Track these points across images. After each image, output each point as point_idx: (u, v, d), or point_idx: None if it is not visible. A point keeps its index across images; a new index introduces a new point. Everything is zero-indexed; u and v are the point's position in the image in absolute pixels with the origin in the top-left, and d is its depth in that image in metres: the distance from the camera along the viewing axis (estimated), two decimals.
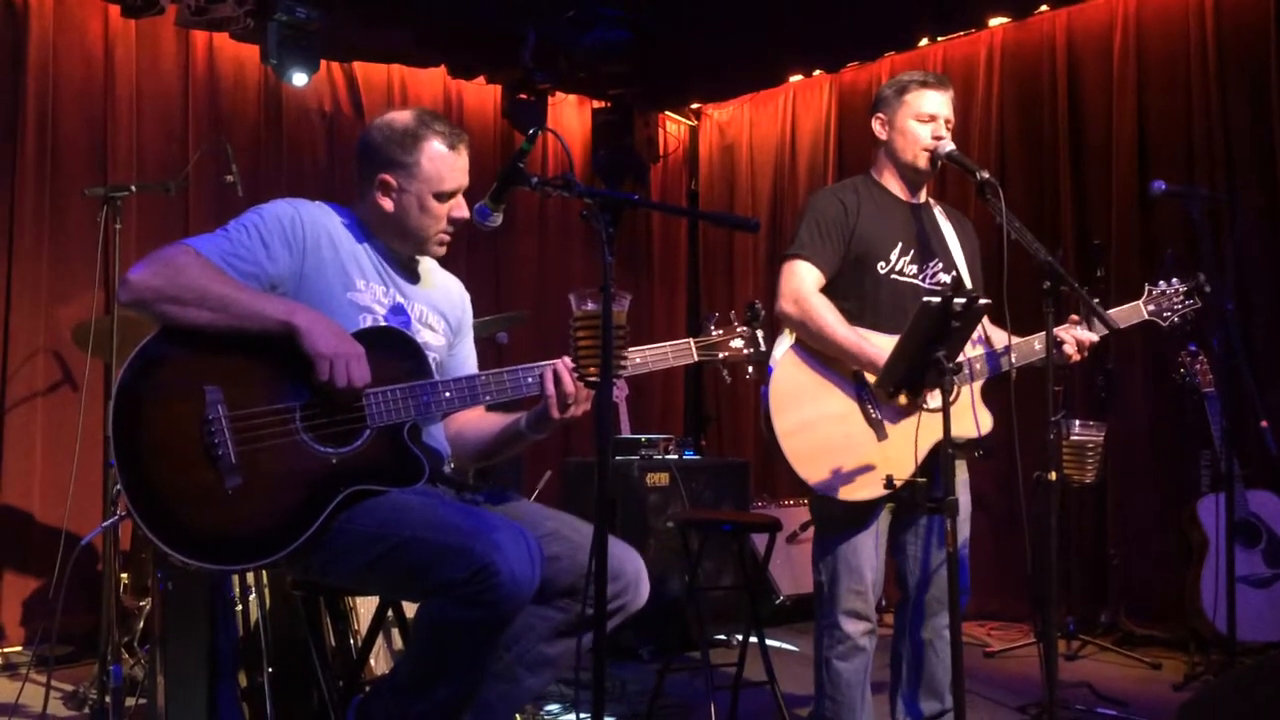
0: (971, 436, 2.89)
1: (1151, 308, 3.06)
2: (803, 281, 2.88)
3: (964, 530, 2.98)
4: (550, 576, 2.27)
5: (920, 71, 3.06)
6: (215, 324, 2.20)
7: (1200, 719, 2.06)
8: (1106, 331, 2.91)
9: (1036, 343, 2.88)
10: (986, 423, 2.92)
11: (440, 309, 2.58)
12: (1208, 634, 4.39)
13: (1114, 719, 3.85)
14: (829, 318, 2.83)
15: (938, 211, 3.08)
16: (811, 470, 2.77)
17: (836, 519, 2.91)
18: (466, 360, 2.67)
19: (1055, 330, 2.87)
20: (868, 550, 2.89)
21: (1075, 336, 2.87)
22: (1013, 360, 2.89)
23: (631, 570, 2.34)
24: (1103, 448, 3.30)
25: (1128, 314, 3.03)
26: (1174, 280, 3.07)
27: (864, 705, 2.92)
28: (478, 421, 2.58)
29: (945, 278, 2.99)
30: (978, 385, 2.91)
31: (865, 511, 2.88)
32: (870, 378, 2.82)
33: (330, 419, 2.24)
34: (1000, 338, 2.90)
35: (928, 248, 2.99)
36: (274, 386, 2.23)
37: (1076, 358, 2.89)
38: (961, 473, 3.00)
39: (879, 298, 2.91)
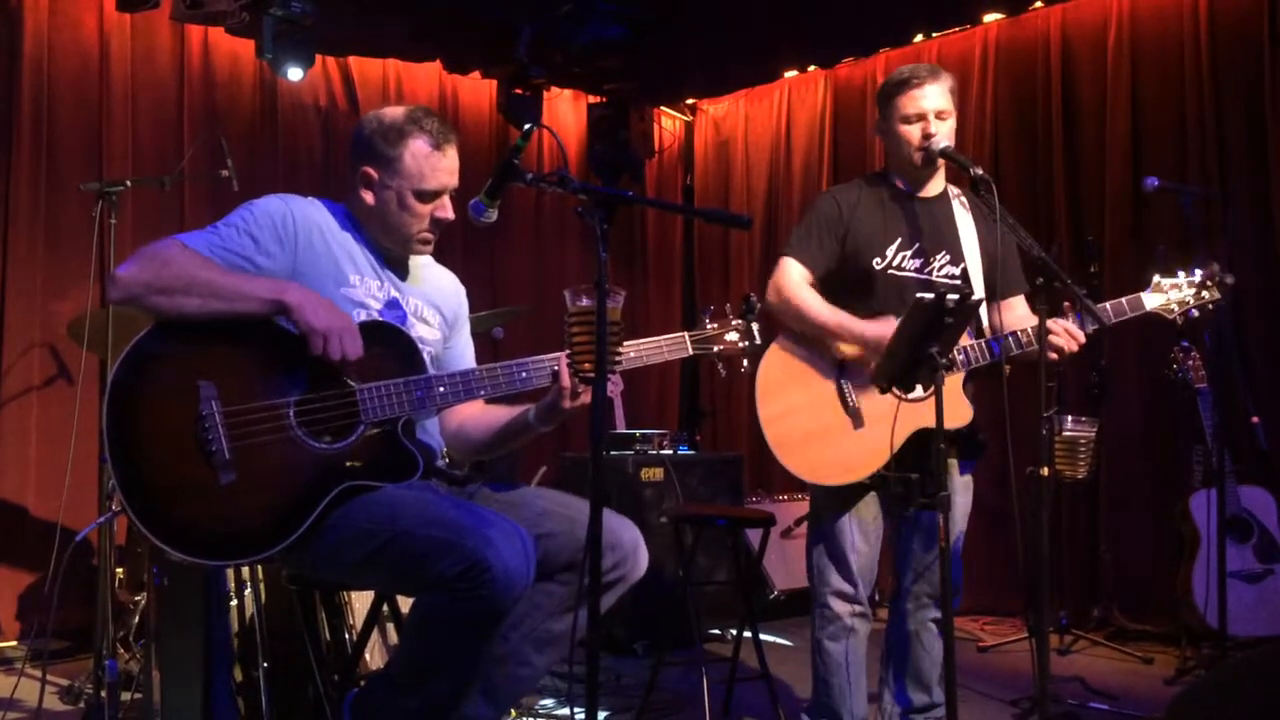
0: (951, 428, 2.87)
1: (1158, 299, 2.92)
2: (788, 276, 2.97)
3: (959, 528, 3.01)
4: (549, 553, 2.29)
5: (909, 67, 3.03)
6: (206, 310, 2.20)
7: (1190, 713, 2.08)
8: (1096, 328, 2.91)
9: (1023, 335, 2.87)
10: (966, 415, 2.92)
11: (435, 302, 2.58)
12: (1199, 628, 4.41)
13: (1105, 713, 3.87)
14: (808, 299, 2.91)
15: (957, 203, 3.05)
16: (790, 455, 2.88)
17: (825, 504, 3.00)
18: (463, 353, 2.67)
19: (1049, 322, 2.89)
20: (849, 533, 2.95)
21: (1066, 328, 2.82)
22: (1009, 345, 2.90)
23: (628, 541, 2.36)
24: (1095, 443, 3.33)
25: (1132, 305, 2.91)
26: (1180, 272, 2.94)
27: (853, 689, 2.94)
28: (480, 415, 2.59)
29: (954, 270, 2.98)
30: (959, 377, 2.91)
31: (848, 496, 2.94)
32: (848, 351, 2.86)
33: (324, 414, 2.25)
34: (1020, 313, 3.00)
35: (934, 241, 2.98)
36: (268, 381, 2.24)
37: (1072, 346, 2.81)
38: (956, 472, 3.01)
39: (876, 293, 2.93)
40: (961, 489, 3.02)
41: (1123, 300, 2.92)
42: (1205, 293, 2.93)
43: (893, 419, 2.79)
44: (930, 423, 2.60)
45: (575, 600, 2.31)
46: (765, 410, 2.90)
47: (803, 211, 3.13)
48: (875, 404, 2.84)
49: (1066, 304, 2.88)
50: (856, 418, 2.87)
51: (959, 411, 2.89)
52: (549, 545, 2.30)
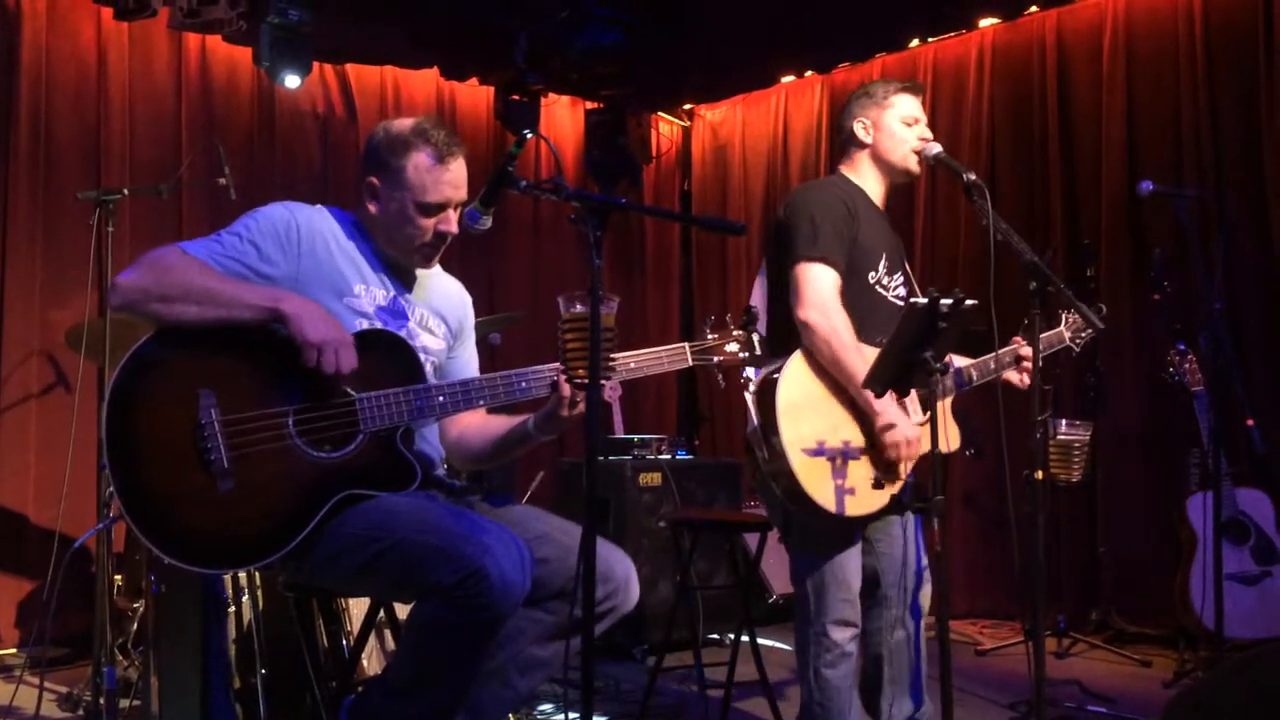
0: (945, 451, 2.87)
1: (1068, 334, 3.11)
2: (829, 291, 2.76)
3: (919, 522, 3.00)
4: (541, 579, 2.28)
5: (895, 79, 3.05)
6: (204, 317, 2.20)
7: (1187, 715, 2.09)
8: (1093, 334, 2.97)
9: (992, 362, 2.94)
10: (955, 440, 2.93)
11: (441, 312, 2.58)
12: (1197, 631, 4.41)
13: (1103, 716, 3.87)
14: (850, 343, 2.72)
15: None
16: (819, 486, 2.69)
17: (827, 534, 2.85)
18: (468, 364, 2.66)
19: (1014, 348, 2.96)
20: (855, 561, 2.88)
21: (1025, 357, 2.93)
22: (974, 377, 2.92)
23: (621, 573, 2.35)
24: (1089, 447, 3.35)
25: (1055, 339, 3.11)
26: (1071, 313, 3.13)
27: (851, 709, 2.93)
28: (481, 425, 2.58)
29: (903, 291, 2.98)
30: (947, 402, 2.91)
31: (857, 525, 2.87)
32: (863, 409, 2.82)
33: (323, 423, 2.25)
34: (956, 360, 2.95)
35: (895, 258, 2.99)
36: (268, 390, 2.24)
37: (1027, 382, 2.93)
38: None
39: (862, 309, 2.84)
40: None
41: (1050, 333, 3.09)
42: (1089, 331, 3.11)
43: None
44: (925, 448, 2.61)
45: (563, 629, 2.31)
46: (789, 433, 2.67)
47: (803, 205, 2.86)
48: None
49: (1016, 339, 2.92)
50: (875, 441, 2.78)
51: (951, 435, 2.90)
52: (542, 570, 2.28)
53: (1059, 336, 3.12)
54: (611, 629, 2.38)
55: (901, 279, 3.00)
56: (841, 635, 2.88)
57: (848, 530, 2.86)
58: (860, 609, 2.91)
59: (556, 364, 2.30)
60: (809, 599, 2.90)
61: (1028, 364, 2.91)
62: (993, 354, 2.92)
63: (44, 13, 5.07)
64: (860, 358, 2.72)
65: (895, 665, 2.98)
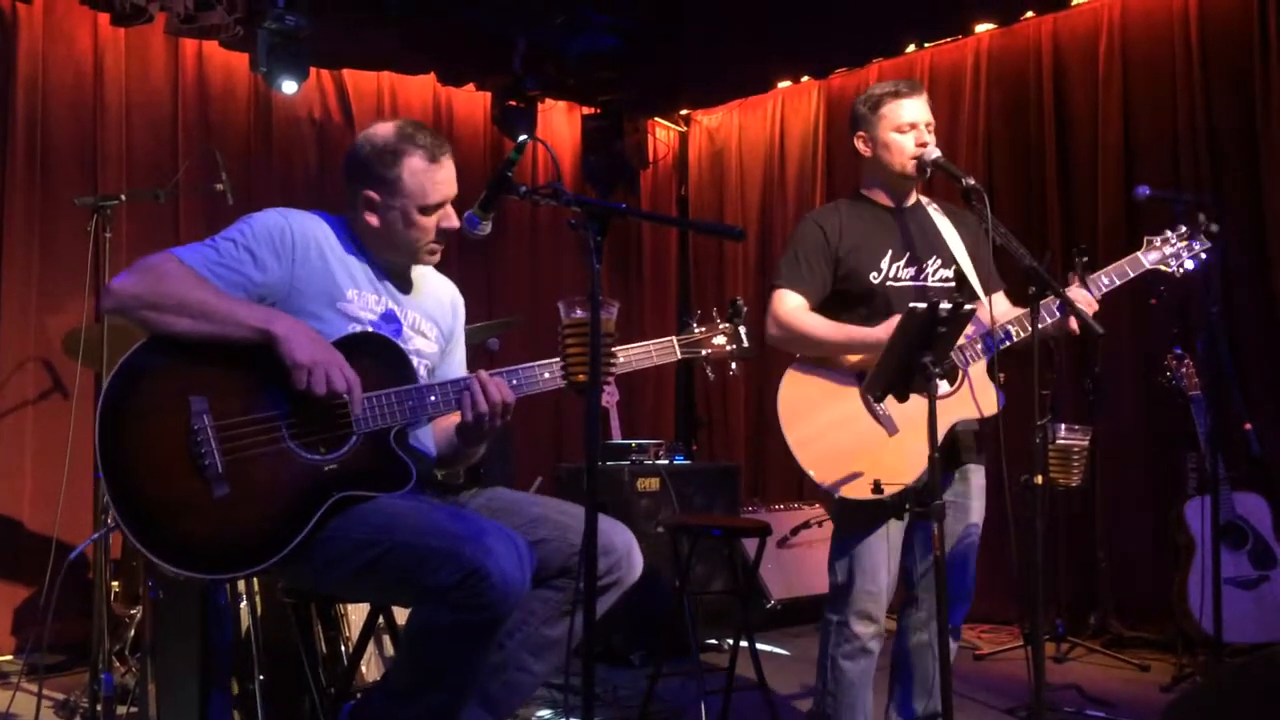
0: (984, 416, 2.88)
1: (1154, 255, 2.97)
2: (784, 305, 2.97)
3: (974, 534, 3.06)
4: (542, 559, 2.31)
5: (890, 81, 3.07)
6: (196, 331, 2.21)
7: (1184, 719, 2.09)
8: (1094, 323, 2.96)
9: (1047, 315, 2.83)
10: (994, 402, 2.89)
11: (433, 316, 2.59)
12: (1196, 635, 4.41)
13: None
14: (810, 321, 2.91)
15: (932, 210, 3.08)
16: (831, 477, 2.81)
17: (855, 519, 2.93)
18: (459, 366, 2.69)
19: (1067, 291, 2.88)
20: (882, 552, 2.91)
21: (1087, 300, 2.86)
22: (1013, 333, 2.87)
23: (621, 544, 2.38)
24: (1088, 451, 3.33)
25: (1132, 265, 2.96)
26: (1177, 226, 2.99)
27: (865, 708, 2.94)
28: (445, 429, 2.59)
29: (947, 272, 3.01)
30: (980, 366, 2.91)
31: (878, 512, 2.88)
32: (863, 360, 2.84)
33: (317, 426, 2.25)
34: (1002, 309, 2.94)
35: (922, 248, 3.01)
36: (260, 395, 2.24)
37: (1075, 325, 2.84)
38: (978, 478, 3.06)
39: (878, 307, 2.93)
40: (977, 493, 3.05)
41: (1123, 263, 2.97)
42: (1195, 243, 2.99)
43: (925, 419, 2.78)
44: (962, 415, 2.68)
45: (570, 605, 2.32)
46: (793, 435, 2.85)
47: (787, 241, 3.12)
48: (904, 408, 2.80)
49: (1072, 274, 2.86)
50: (889, 424, 2.83)
51: (988, 398, 2.88)
52: (543, 551, 2.31)
53: (1135, 262, 2.95)
54: (610, 634, 2.39)
55: (938, 263, 3.01)
56: (863, 629, 2.92)
57: (872, 516, 2.90)
58: (884, 606, 2.94)
59: (547, 361, 2.31)
60: (837, 584, 2.96)
61: (1082, 307, 2.81)
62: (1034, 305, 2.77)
63: (40, 19, 5.06)
64: (827, 322, 2.91)
65: (905, 669, 3.00)
